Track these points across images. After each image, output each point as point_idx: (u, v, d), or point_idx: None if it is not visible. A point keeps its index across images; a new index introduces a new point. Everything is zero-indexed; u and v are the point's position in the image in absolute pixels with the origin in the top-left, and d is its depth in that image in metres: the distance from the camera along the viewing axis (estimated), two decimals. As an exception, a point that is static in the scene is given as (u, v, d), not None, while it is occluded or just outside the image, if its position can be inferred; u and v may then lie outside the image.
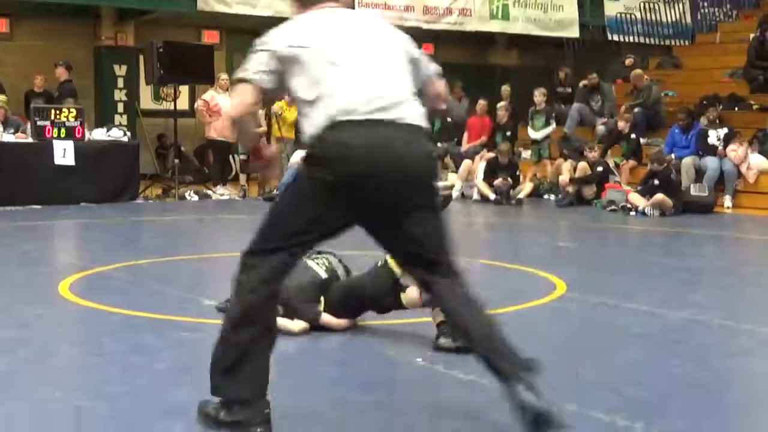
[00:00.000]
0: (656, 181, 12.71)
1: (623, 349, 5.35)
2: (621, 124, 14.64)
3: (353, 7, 4.04)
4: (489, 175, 14.39)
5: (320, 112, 3.49)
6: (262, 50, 3.62)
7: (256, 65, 3.61)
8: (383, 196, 3.51)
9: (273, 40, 3.63)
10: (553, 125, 15.82)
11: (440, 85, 3.95)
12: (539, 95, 15.89)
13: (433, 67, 3.90)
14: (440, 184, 14.54)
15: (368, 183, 3.45)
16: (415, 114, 3.59)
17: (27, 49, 15.93)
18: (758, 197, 13.53)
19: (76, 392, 4.36)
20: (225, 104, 14.40)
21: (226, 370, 3.58)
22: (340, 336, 5.36)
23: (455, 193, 14.57)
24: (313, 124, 3.51)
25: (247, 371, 3.58)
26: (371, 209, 3.55)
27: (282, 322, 5.33)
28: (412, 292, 5.26)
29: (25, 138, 12.84)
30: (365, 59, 3.58)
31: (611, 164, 14.34)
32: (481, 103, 16.67)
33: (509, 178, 14.20)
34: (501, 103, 16.25)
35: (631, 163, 14.43)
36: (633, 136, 14.66)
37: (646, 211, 12.47)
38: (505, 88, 17.50)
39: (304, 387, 4.51)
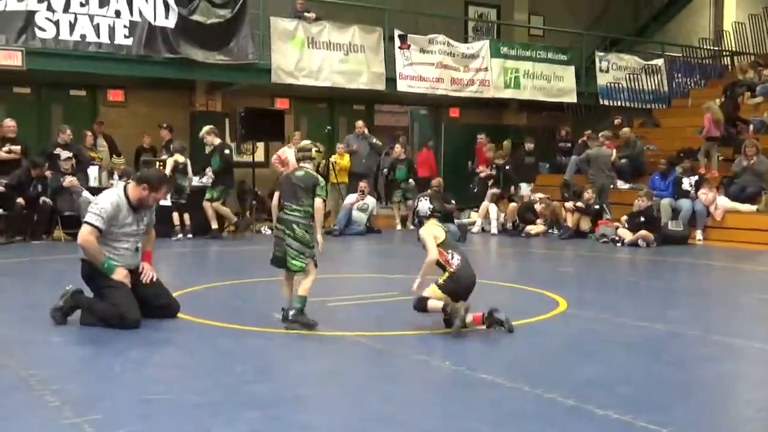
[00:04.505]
0: (642, 218, 12.64)
1: (614, 355, 5.29)
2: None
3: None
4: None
5: None
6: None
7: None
8: None
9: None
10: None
11: None
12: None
13: None
14: (464, 221, 14.68)
15: None
16: None
17: (137, 114, 16.19)
18: (724, 231, 13.35)
19: (173, 387, 4.39)
20: (291, 156, 14.48)
21: None
22: (369, 341, 5.34)
23: (476, 228, 14.58)
24: None
25: None
26: None
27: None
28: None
29: (136, 185, 12.92)
30: None
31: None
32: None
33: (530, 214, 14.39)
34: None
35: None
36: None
37: (639, 242, 12.33)
38: (506, 144, 17.26)
39: (337, 392, 4.49)
